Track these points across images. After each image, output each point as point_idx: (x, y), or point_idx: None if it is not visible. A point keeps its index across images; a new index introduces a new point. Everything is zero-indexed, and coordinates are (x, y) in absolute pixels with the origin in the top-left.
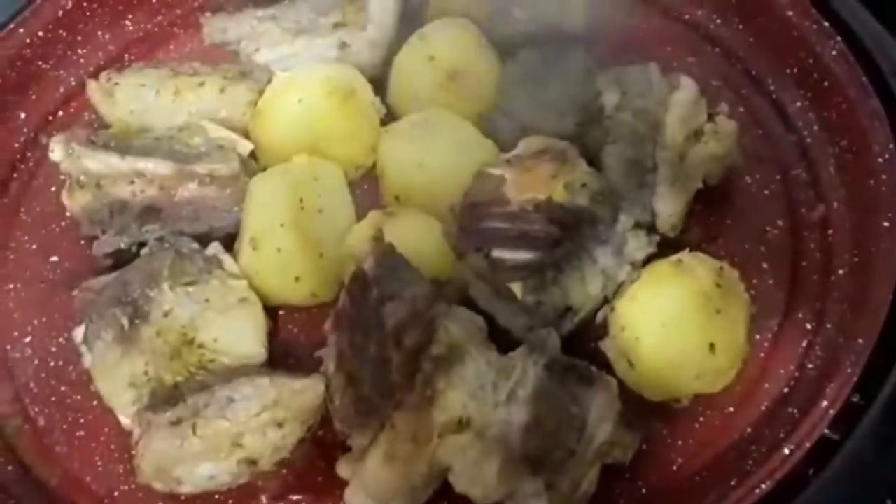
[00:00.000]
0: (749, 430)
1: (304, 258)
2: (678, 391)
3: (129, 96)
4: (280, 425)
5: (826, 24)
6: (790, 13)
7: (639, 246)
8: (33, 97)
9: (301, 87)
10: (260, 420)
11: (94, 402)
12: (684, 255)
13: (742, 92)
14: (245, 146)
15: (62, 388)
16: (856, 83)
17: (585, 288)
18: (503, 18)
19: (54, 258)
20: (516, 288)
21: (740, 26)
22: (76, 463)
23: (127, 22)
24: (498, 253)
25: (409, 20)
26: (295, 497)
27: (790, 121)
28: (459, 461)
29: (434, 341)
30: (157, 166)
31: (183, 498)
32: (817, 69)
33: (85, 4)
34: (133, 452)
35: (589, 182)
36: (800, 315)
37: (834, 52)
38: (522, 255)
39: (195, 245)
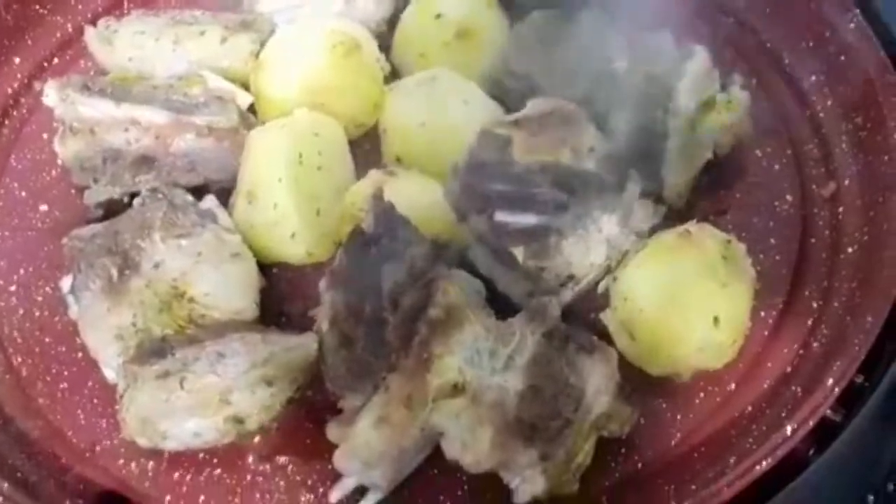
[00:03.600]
0: (750, 407)
1: (301, 215)
2: (679, 365)
3: (128, 44)
4: (269, 383)
5: None
6: None
7: (645, 215)
8: (29, 42)
9: (304, 39)
10: (249, 377)
11: (79, 355)
12: (691, 226)
13: (755, 65)
14: (245, 98)
15: (47, 340)
16: (873, 58)
17: (589, 256)
18: None
19: (44, 206)
20: (518, 252)
21: None
22: (58, 415)
23: None
24: (500, 216)
25: None
26: (282, 459)
27: (804, 96)
28: (453, 426)
29: (432, 304)
30: (153, 115)
31: (166, 455)
32: (834, 43)
33: None
34: (117, 406)
35: (597, 146)
36: (806, 293)
37: (852, 26)
38: (526, 219)
39: (189, 197)
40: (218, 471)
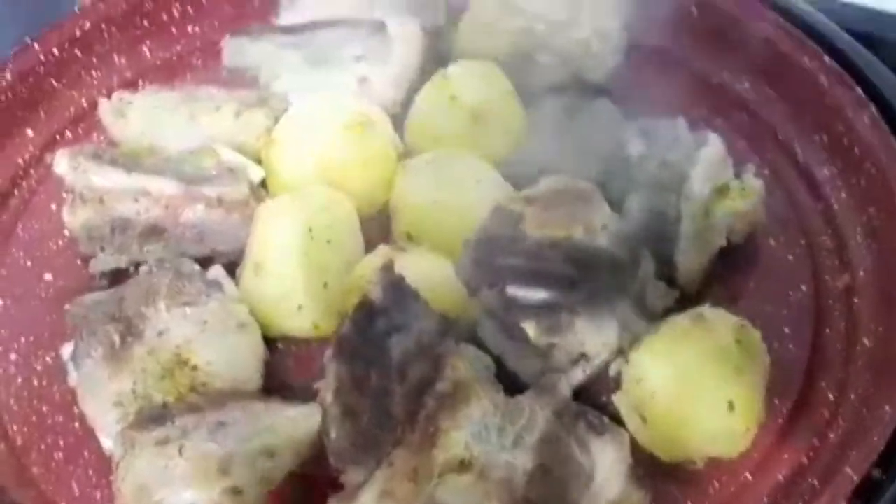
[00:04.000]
0: (766, 499)
1: (309, 288)
2: (693, 452)
3: (142, 117)
4: (271, 454)
5: (860, 92)
6: (824, 80)
7: (658, 298)
8: (42, 115)
9: (318, 116)
10: (250, 447)
11: (76, 424)
12: (705, 310)
13: (768, 156)
14: (257, 172)
15: (44, 409)
16: (889, 151)
17: (601, 335)
18: (528, 65)
19: (48, 276)
20: (529, 328)
21: (770, 91)
22: (52, 486)
23: (145, 48)
24: (512, 290)
25: (434, 62)
26: None
27: (817, 188)
28: (459, 503)
29: (440, 378)
30: (164, 185)
31: None
32: (848, 137)
33: (103, 27)
34: (112, 477)
35: (610, 224)
36: (822, 383)
37: (867, 121)
38: (537, 294)
39: (196, 267)
40: None
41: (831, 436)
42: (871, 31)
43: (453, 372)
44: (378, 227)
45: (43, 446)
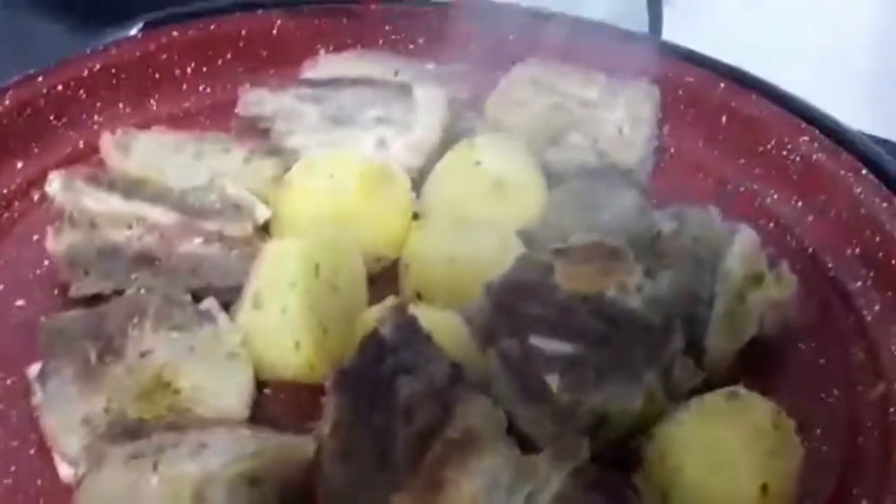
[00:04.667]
0: None
1: (309, 324)
2: None
3: (145, 152)
4: (253, 483)
5: None
6: (860, 191)
7: (685, 376)
8: (36, 150)
9: (333, 164)
10: (231, 471)
11: (32, 451)
12: (739, 389)
13: (797, 267)
14: (263, 212)
15: None
16: None
17: (626, 402)
18: (556, 144)
19: (20, 302)
20: (552, 381)
21: (799, 203)
22: None
23: (152, 101)
24: (535, 340)
25: (456, 135)
26: None
27: (849, 300)
28: None
29: (450, 424)
30: (161, 214)
31: None
32: (883, 248)
33: (113, 72)
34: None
35: (645, 286)
36: (855, 490)
37: None
38: (563, 347)
39: (188, 297)
40: None
41: None
42: None
43: (464, 420)
44: (384, 287)
45: None
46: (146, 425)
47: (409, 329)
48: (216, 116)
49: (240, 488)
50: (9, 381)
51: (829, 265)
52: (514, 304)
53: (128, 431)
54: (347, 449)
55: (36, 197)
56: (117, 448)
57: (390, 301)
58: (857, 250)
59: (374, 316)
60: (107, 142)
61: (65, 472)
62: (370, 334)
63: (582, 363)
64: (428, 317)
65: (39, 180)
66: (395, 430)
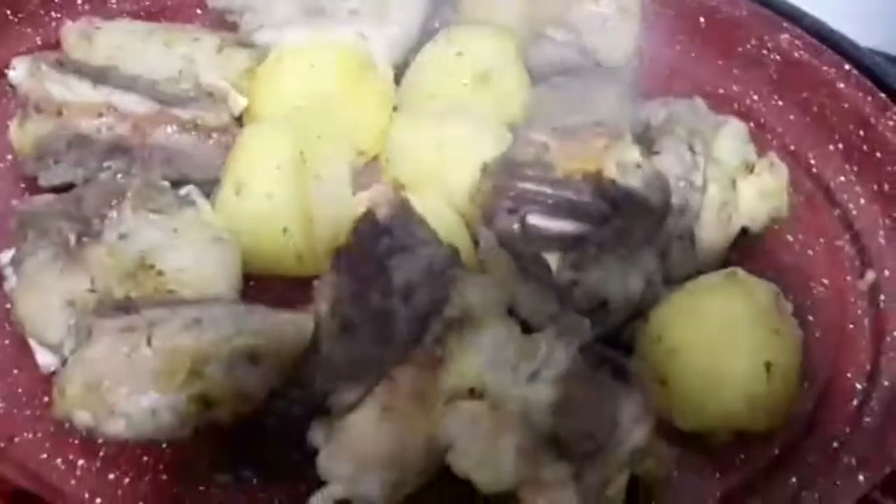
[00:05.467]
0: (794, 479)
1: (296, 211)
2: (720, 419)
3: (111, 42)
4: (254, 360)
5: (882, 95)
6: (842, 86)
7: (682, 259)
8: None
9: (312, 52)
10: (231, 347)
11: (6, 342)
12: (738, 270)
13: None
14: (238, 101)
15: None
16: None
17: (625, 284)
18: (538, 40)
19: None
20: (552, 260)
21: (780, 102)
22: None
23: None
24: (534, 219)
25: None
26: (245, 472)
27: (833, 195)
28: (467, 434)
29: (448, 303)
30: (133, 102)
31: (102, 453)
32: (868, 142)
33: None
34: (54, 380)
35: (643, 165)
36: (848, 374)
37: (891, 123)
38: (563, 225)
39: (166, 183)
40: (164, 476)
41: (866, 419)
42: None
43: (461, 298)
44: (366, 182)
45: None
46: (136, 302)
47: (403, 211)
48: (177, 17)
49: (240, 365)
50: None
51: (812, 161)
52: (511, 184)
53: (118, 307)
54: (347, 326)
55: None
56: (107, 321)
57: (377, 188)
58: (840, 146)
59: (365, 200)
60: (69, 31)
61: (44, 360)
62: (364, 215)
63: (582, 242)
64: (422, 205)
65: None
66: (394, 308)
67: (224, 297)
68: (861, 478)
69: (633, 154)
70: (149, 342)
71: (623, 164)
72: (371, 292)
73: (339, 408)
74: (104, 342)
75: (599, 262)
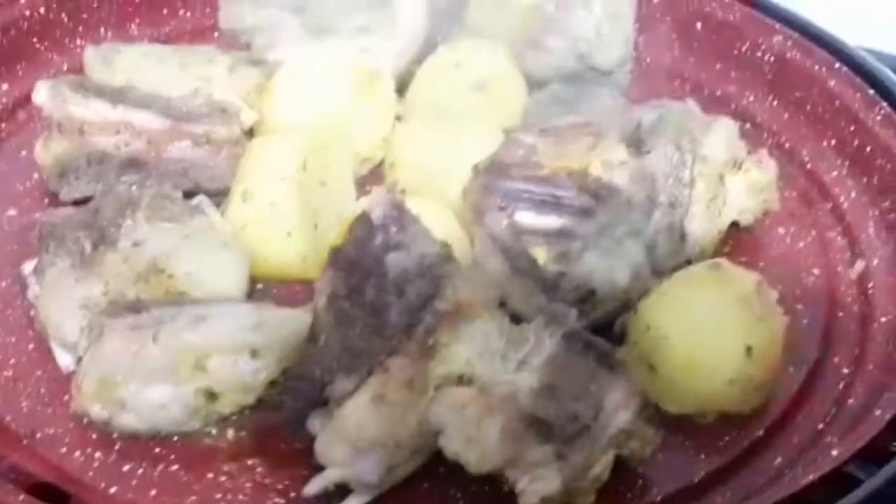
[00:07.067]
0: (779, 459)
1: (299, 216)
2: (705, 401)
3: (129, 64)
4: (254, 354)
5: (871, 91)
6: (833, 84)
7: (669, 252)
8: (20, 73)
9: (318, 67)
10: (233, 342)
11: (30, 346)
12: (722, 261)
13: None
14: (249, 115)
15: None
16: None
17: (612, 275)
18: (536, 48)
19: (12, 211)
20: (538, 254)
21: (774, 102)
22: None
23: (133, 25)
24: (521, 216)
25: (440, 41)
26: (250, 460)
27: (826, 189)
28: (456, 419)
29: (441, 297)
30: (149, 119)
31: (117, 447)
32: (858, 137)
33: None
34: (74, 377)
35: (628, 162)
36: (836, 358)
37: (879, 118)
38: (549, 221)
39: (179, 193)
40: (175, 467)
41: (850, 402)
42: None
43: (454, 293)
44: (370, 188)
45: None
46: (145, 302)
47: (398, 211)
48: (196, 40)
49: (241, 358)
50: (3, 284)
51: (806, 158)
52: (500, 183)
53: (128, 307)
54: (342, 319)
55: (22, 117)
56: (117, 320)
57: (378, 189)
58: (833, 142)
59: (364, 204)
60: (90, 55)
61: (63, 361)
62: (360, 215)
63: (567, 236)
64: (417, 208)
65: (25, 101)
66: (388, 302)
67: (231, 298)
68: (836, 452)
69: (618, 152)
70: (155, 339)
71: (608, 162)
72: (366, 287)
73: (336, 397)
74: (114, 340)
75: (584, 254)
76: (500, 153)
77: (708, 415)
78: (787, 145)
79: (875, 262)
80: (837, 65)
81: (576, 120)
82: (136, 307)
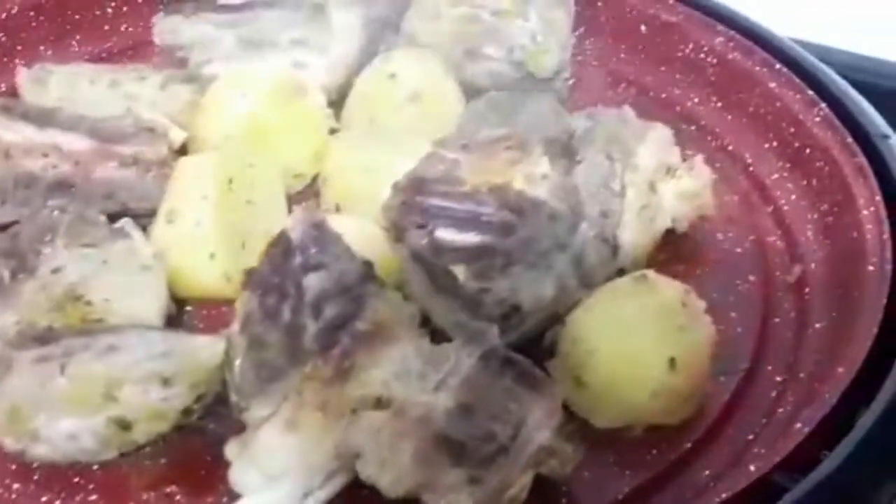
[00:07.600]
0: (707, 472)
1: (223, 236)
2: (632, 414)
3: (61, 84)
4: (166, 382)
5: (810, 92)
6: (773, 86)
7: (598, 263)
8: None
9: (246, 80)
10: (142, 370)
11: None
12: (648, 272)
13: (717, 165)
14: (178, 135)
15: None
16: (841, 144)
17: (537, 289)
18: (473, 56)
19: None
20: (459, 271)
21: (718, 104)
22: None
23: (73, 42)
24: (441, 233)
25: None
26: (170, 488)
27: (767, 192)
28: (372, 442)
29: (360, 318)
30: (75, 141)
31: (36, 477)
32: (798, 138)
33: (31, 14)
34: None
35: (551, 176)
36: (769, 367)
37: (818, 119)
38: (469, 238)
39: (102, 217)
40: (94, 497)
41: (780, 411)
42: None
43: (374, 314)
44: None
45: None
46: (55, 332)
47: (318, 230)
48: (138, 56)
49: (151, 386)
50: None
51: (748, 160)
52: (420, 200)
53: (36, 338)
54: (257, 342)
55: None
56: (24, 353)
57: (298, 208)
58: (774, 143)
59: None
60: (24, 76)
61: None
62: (278, 235)
63: (488, 252)
64: (346, 225)
65: None
66: (304, 323)
67: (149, 323)
68: (762, 463)
69: (541, 166)
70: (63, 370)
71: (531, 176)
72: (282, 308)
73: (252, 423)
74: (21, 373)
75: (507, 270)
76: (420, 169)
77: (636, 429)
78: (730, 147)
79: (812, 266)
80: (778, 66)
81: (500, 133)
82: (45, 338)
